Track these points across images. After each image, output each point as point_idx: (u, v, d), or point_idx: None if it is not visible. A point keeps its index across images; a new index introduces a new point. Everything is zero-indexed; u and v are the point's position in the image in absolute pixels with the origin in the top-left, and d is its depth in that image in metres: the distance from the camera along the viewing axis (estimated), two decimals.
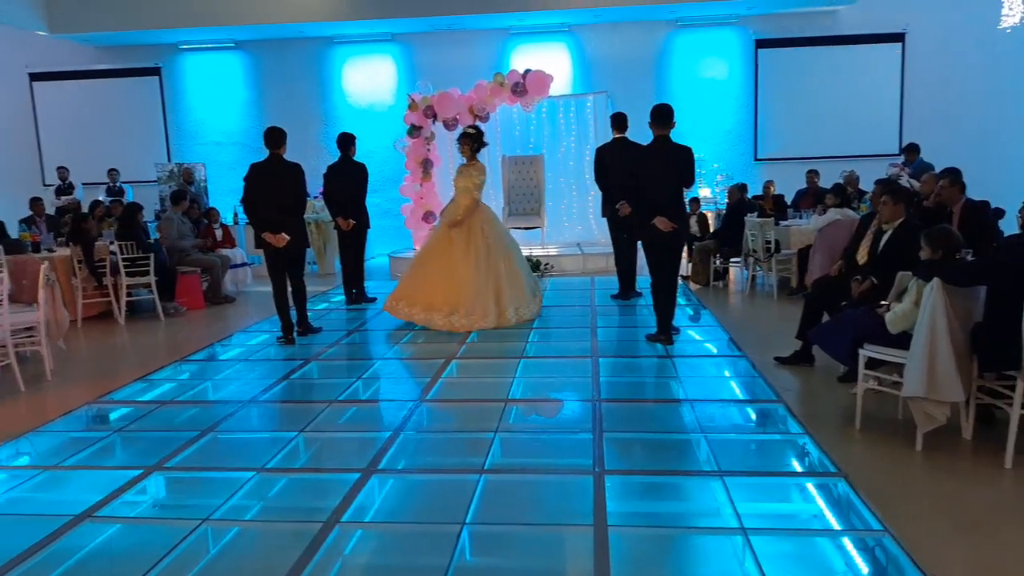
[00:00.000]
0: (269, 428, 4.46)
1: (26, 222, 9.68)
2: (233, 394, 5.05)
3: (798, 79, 12.68)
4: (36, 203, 9.93)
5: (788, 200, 10.02)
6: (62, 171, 11.83)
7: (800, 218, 8.98)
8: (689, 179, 5.79)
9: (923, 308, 3.75)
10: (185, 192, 9.76)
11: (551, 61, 12.36)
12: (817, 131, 12.66)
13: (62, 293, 6.75)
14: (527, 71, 11.03)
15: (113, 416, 4.72)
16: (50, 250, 8.38)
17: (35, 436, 4.35)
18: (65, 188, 11.68)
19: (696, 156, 12.19)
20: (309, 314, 6.77)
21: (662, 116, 5.66)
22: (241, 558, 2.93)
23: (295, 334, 6.49)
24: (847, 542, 2.81)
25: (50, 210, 10.63)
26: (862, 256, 5.28)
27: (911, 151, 9.96)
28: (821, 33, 12.53)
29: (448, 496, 3.30)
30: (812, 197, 9.42)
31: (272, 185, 6.15)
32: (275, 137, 6.23)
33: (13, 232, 9.34)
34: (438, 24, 12.41)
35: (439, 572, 2.63)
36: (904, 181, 8.67)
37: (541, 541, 2.94)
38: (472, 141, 6.77)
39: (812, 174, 10.01)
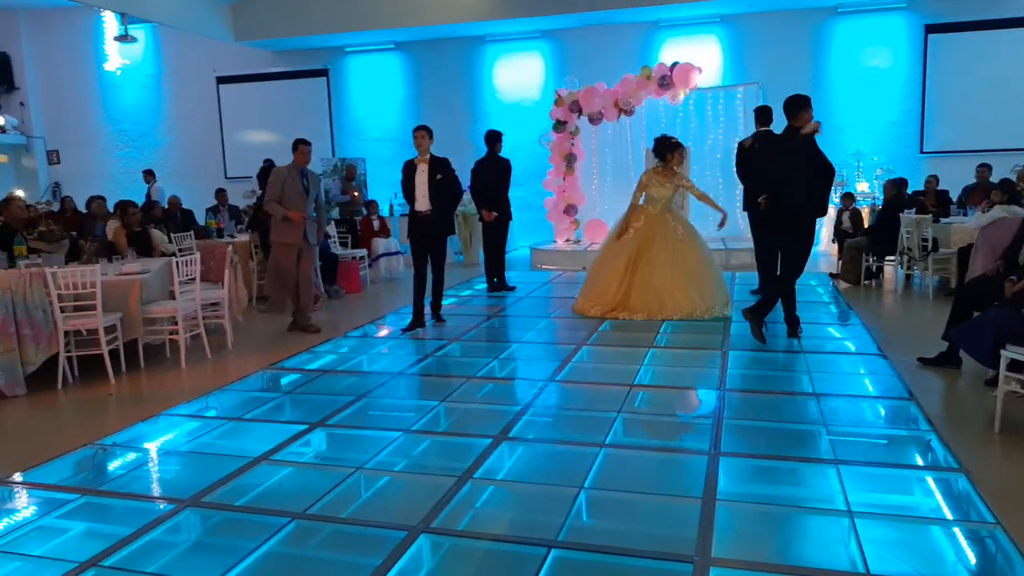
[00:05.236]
0: (414, 397, 4.95)
1: (212, 210, 10.86)
2: (385, 367, 5.61)
3: (973, 65, 11.77)
4: (221, 193, 11.08)
5: (954, 196, 9.44)
6: (268, 163, 12.87)
7: (964, 215, 8.46)
8: (826, 170, 5.59)
9: None
10: None
11: (701, 53, 12.25)
12: (993, 122, 11.69)
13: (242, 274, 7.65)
14: (674, 64, 11.04)
15: (283, 381, 5.38)
16: (231, 236, 9.42)
17: (221, 394, 5.07)
18: None
19: (855, 149, 11.75)
20: (451, 300, 7.17)
21: (790, 106, 5.59)
22: (388, 501, 3.37)
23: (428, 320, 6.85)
24: (957, 532, 2.81)
25: (250, 200, 11.77)
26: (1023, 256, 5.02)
27: None
28: (1001, 15, 11.57)
29: (570, 464, 3.58)
30: (981, 193, 8.80)
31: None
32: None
33: (200, 219, 10.57)
34: (588, 19, 12.60)
35: (556, 528, 2.91)
36: None
37: (651, 510, 3.16)
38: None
39: (983, 168, 9.36)
